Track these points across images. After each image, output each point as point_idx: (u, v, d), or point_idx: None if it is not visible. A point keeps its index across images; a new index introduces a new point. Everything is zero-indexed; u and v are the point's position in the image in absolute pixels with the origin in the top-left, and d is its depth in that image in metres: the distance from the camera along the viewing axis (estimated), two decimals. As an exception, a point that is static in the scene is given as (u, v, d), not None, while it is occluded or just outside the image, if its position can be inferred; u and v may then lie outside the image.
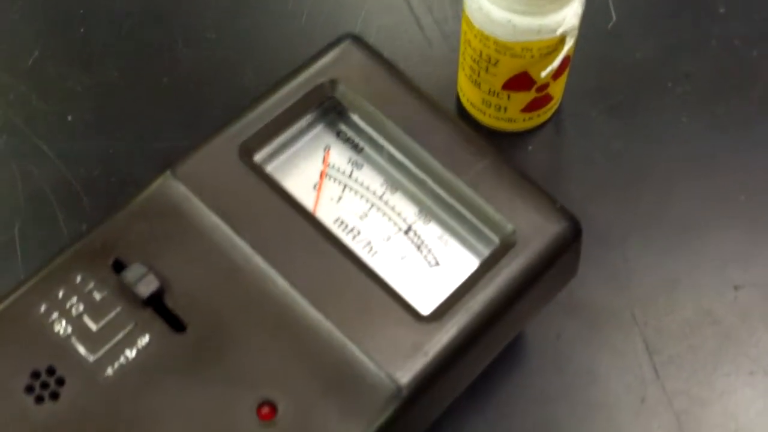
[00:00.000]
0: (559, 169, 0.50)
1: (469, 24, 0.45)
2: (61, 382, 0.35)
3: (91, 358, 0.35)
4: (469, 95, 0.49)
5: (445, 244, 0.39)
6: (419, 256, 0.39)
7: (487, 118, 0.49)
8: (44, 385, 0.35)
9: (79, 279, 0.36)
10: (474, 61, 0.46)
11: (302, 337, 0.35)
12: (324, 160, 0.41)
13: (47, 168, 0.49)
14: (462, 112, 0.50)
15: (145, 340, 0.35)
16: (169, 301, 0.36)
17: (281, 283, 0.36)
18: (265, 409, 0.34)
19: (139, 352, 0.35)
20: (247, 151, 0.39)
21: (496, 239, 0.38)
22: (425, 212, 0.40)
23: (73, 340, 0.35)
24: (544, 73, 0.45)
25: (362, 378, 0.35)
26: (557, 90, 0.49)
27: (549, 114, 0.50)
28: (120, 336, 0.35)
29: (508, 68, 0.46)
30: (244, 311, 0.36)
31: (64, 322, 0.36)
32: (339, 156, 0.41)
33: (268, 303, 0.36)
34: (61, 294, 0.36)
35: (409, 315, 0.36)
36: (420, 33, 0.54)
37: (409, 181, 0.40)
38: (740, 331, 0.46)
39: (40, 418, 0.34)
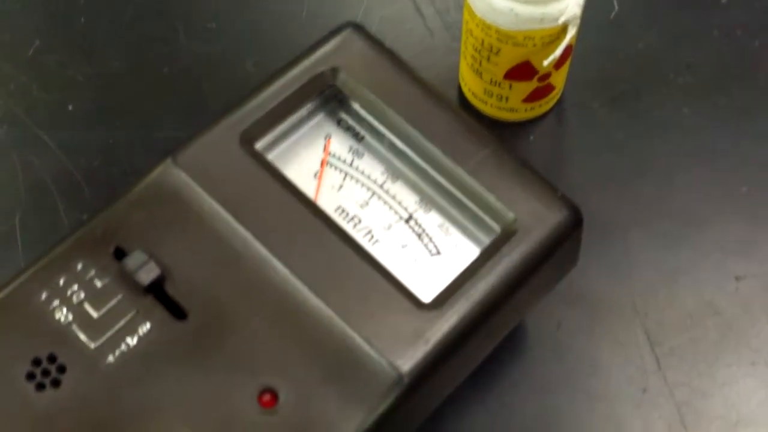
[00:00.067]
0: (560, 160, 0.50)
1: (471, 13, 0.45)
2: (62, 369, 0.35)
3: (93, 346, 0.35)
4: (471, 85, 0.49)
5: (446, 233, 0.39)
6: (420, 244, 0.39)
7: (489, 108, 0.49)
8: (45, 373, 0.35)
9: (80, 266, 0.36)
10: (476, 50, 0.46)
11: (303, 325, 0.35)
12: (325, 149, 0.41)
13: (48, 158, 0.49)
14: (464, 103, 0.50)
15: (146, 327, 0.35)
16: (170, 289, 0.36)
17: (282, 270, 0.36)
18: (266, 397, 0.34)
19: (140, 339, 0.35)
20: (248, 139, 0.39)
21: (497, 228, 0.38)
22: (426, 201, 0.40)
23: (74, 327, 0.35)
24: (546, 62, 0.45)
25: (363, 366, 0.35)
26: (559, 80, 0.49)
27: (551, 104, 0.50)
28: (121, 323, 0.35)
29: (509, 57, 0.45)
30: (245, 299, 0.36)
31: (65, 310, 0.35)
32: (340, 144, 0.41)
33: (269, 291, 0.36)
34: (62, 281, 0.36)
35: (410, 302, 0.36)
36: (422, 23, 0.54)
37: (410, 169, 0.40)
38: (741, 322, 0.46)
39: (41, 405, 0.34)
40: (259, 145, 0.39)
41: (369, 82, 0.40)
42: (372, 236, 0.39)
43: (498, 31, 0.44)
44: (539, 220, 0.38)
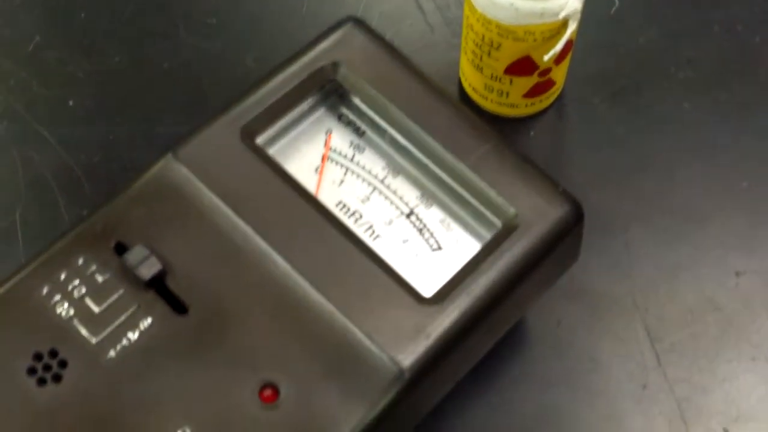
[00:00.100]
0: (561, 155, 0.50)
1: (472, 8, 0.45)
2: (63, 364, 0.35)
3: (94, 340, 0.35)
4: (472, 80, 0.49)
5: (447, 228, 0.39)
6: (421, 239, 0.39)
7: (490, 103, 0.49)
8: (47, 368, 0.35)
9: (81, 261, 0.36)
10: (476, 45, 0.46)
11: (304, 320, 0.35)
12: (326, 144, 0.41)
13: (48, 154, 0.49)
14: (464, 98, 0.50)
15: (147, 322, 0.35)
16: (171, 284, 0.36)
17: (283, 265, 0.36)
18: (267, 392, 0.34)
19: (141, 334, 0.35)
20: (249, 133, 0.39)
21: (498, 223, 0.38)
22: (427, 196, 0.40)
23: (76, 322, 0.35)
24: (546, 57, 0.45)
25: (364, 360, 0.35)
26: (559, 75, 0.49)
27: (551, 99, 0.50)
28: (122, 318, 0.35)
29: (510, 52, 0.45)
30: (246, 294, 0.36)
31: (66, 305, 0.35)
32: (341, 139, 0.41)
33: (270, 285, 0.36)
34: (63, 276, 0.36)
35: (411, 297, 0.36)
36: (422, 19, 0.54)
37: (411, 164, 0.40)
38: (742, 317, 0.46)
39: (42, 400, 0.34)
40: (260, 140, 0.39)
41: (370, 76, 0.40)
42: (373, 231, 0.39)
43: (498, 25, 0.44)
44: (540, 215, 0.38)
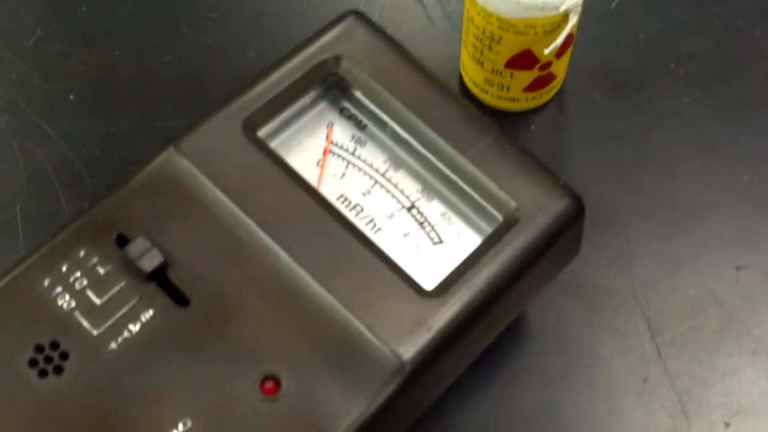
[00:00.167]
0: (561, 150, 0.50)
1: (472, 1, 0.45)
2: (64, 356, 0.35)
3: (95, 332, 0.35)
4: (472, 74, 0.49)
5: (448, 222, 0.39)
6: (422, 233, 0.39)
7: (490, 97, 0.49)
8: (48, 359, 0.35)
9: (82, 253, 0.36)
10: (477, 38, 0.46)
11: (305, 313, 0.35)
12: (327, 137, 0.41)
13: (49, 147, 0.49)
14: (465, 92, 0.50)
15: (148, 314, 0.35)
16: (173, 276, 0.36)
17: (284, 258, 0.36)
18: (269, 384, 0.34)
19: (142, 326, 0.35)
20: (250, 126, 0.39)
21: (499, 216, 0.38)
22: (428, 189, 0.40)
23: (77, 314, 0.35)
24: (547, 51, 0.45)
25: (365, 353, 0.35)
26: (560, 69, 0.49)
27: (552, 93, 0.50)
28: (124, 310, 0.35)
29: (511, 46, 0.45)
30: (248, 286, 0.36)
31: (67, 296, 0.35)
32: (342, 133, 0.41)
33: (271, 278, 0.36)
34: (64, 268, 0.36)
35: (412, 290, 0.36)
36: (422, 12, 0.53)
37: (413, 158, 0.40)
38: (742, 311, 0.46)
39: (43, 392, 0.34)
40: (262, 133, 0.39)
41: (371, 70, 0.40)
42: (374, 225, 0.39)
43: (499, 19, 0.44)
44: (541, 208, 0.38)
